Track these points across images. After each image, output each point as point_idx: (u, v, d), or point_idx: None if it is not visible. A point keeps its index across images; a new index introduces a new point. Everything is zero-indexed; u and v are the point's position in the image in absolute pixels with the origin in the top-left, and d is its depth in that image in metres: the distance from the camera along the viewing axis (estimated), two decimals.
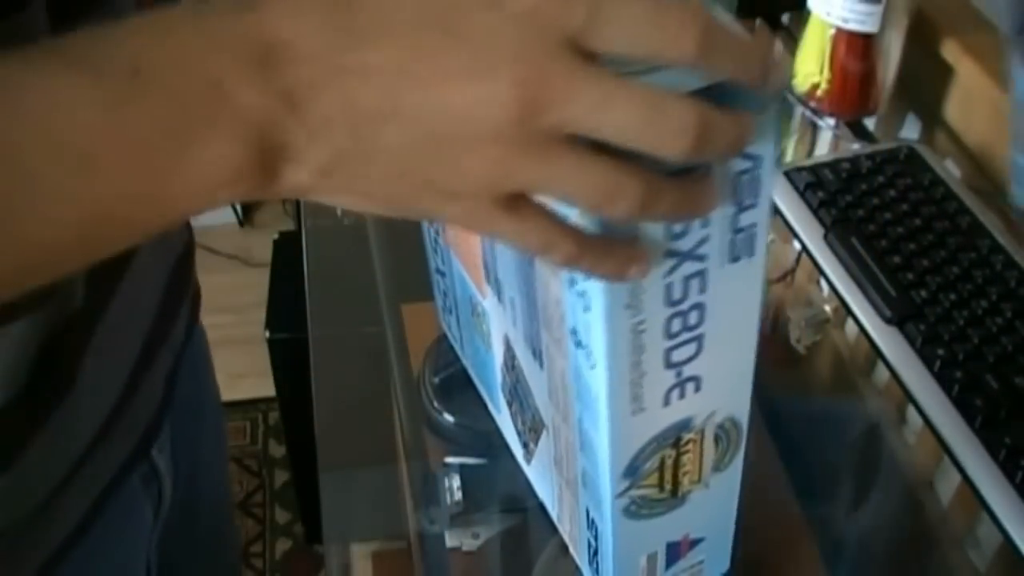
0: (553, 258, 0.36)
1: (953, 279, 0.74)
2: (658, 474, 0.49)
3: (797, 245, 0.83)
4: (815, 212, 0.82)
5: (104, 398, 0.56)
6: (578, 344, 0.44)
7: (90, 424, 0.55)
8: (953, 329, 0.71)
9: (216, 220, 2.20)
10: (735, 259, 0.42)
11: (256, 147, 0.33)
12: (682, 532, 0.53)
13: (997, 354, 0.69)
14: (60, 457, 0.53)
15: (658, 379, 0.44)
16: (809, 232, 0.81)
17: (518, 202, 0.35)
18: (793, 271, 0.88)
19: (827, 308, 0.83)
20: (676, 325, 0.42)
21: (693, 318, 0.43)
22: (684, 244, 0.40)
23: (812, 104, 0.93)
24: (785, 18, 1.06)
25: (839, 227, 0.80)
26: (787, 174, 0.85)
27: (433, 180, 0.34)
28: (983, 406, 0.67)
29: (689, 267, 0.41)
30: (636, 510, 0.50)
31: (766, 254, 0.42)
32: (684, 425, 0.47)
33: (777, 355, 0.84)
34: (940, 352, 0.70)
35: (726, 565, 0.57)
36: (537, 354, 0.50)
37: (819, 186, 0.83)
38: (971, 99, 0.88)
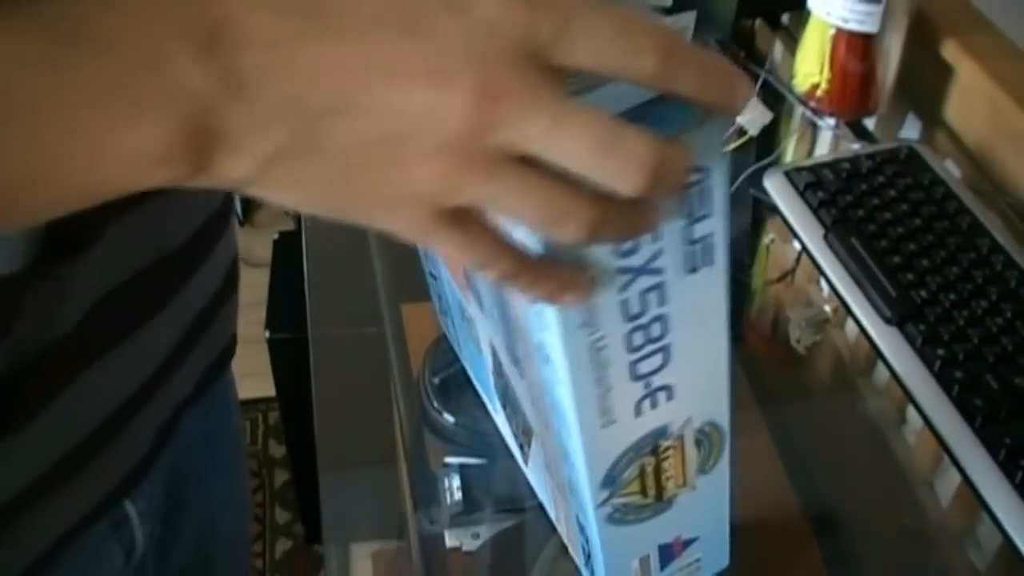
0: (489, 274, 0.36)
1: (953, 279, 0.74)
2: (639, 481, 0.49)
3: (797, 245, 0.83)
4: (815, 212, 0.82)
5: (68, 441, 0.52)
6: (545, 359, 0.44)
7: (44, 463, 0.51)
8: (953, 329, 0.71)
9: None
10: (694, 270, 0.41)
11: (193, 129, 0.31)
12: (673, 534, 0.53)
13: (997, 354, 0.69)
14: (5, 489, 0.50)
15: (626, 392, 0.44)
16: (809, 232, 0.81)
17: (461, 215, 0.34)
18: (793, 271, 0.88)
19: (827, 308, 0.83)
20: (639, 338, 0.42)
21: (656, 330, 0.43)
22: (636, 260, 0.39)
23: (812, 104, 0.93)
24: (785, 18, 1.06)
25: (839, 227, 0.80)
26: (787, 174, 0.85)
27: (377, 185, 0.33)
28: (983, 406, 0.67)
29: (645, 281, 0.40)
30: (621, 517, 0.50)
31: (729, 260, 0.42)
32: (661, 433, 0.47)
33: (777, 355, 0.84)
34: (940, 352, 0.70)
35: (725, 561, 0.57)
36: (517, 363, 0.50)
37: (819, 186, 0.83)
38: (971, 99, 0.88)
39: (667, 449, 0.48)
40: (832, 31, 0.88)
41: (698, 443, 0.49)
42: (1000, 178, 0.85)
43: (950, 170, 0.85)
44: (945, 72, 0.89)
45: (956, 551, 0.69)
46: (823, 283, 0.81)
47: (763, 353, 0.85)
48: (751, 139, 0.91)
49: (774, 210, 0.85)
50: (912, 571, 0.67)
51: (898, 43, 0.88)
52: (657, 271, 0.40)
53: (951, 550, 0.69)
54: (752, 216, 0.95)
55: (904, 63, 0.89)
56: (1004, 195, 0.84)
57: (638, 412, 0.45)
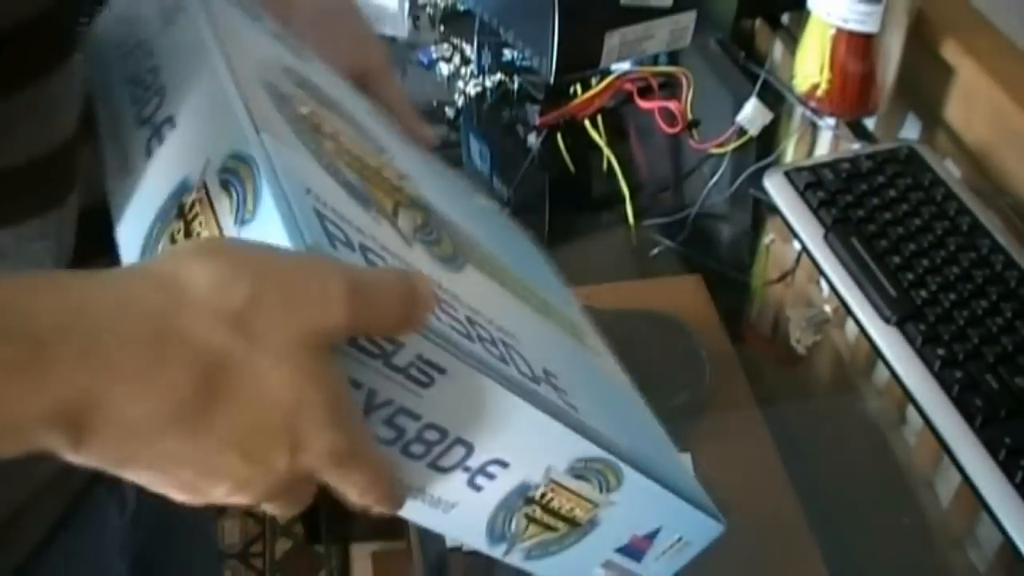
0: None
1: (953, 279, 0.74)
2: (535, 525, 0.47)
3: (797, 245, 0.83)
4: (815, 212, 0.82)
5: None
6: None
7: None
8: (953, 329, 0.71)
9: None
10: (428, 383, 0.40)
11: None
12: (624, 537, 0.50)
13: (997, 354, 0.69)
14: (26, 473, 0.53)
15: (447, 484, 0.43)
16: (809, 232, 0.81)
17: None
18: (793, 271, 0.88)
19: (827, 308, 0.83)
20: (418, 449, 0.42)
21: (432, 435, 0.41)
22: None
23: (812, 104, 0.93)
24: (785, 18, 1.06)
25: (839, 227, 0.80)
26: (787, 174, 0.85)
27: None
28: (983, 406, 0.67)
29: (381, 413, 0.40)
30: (542, 552, 0.48)
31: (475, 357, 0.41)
32: (523, 490, 0.45)
33: (777, 355, 0.84)
34: (940, 352, 0.70)
35: (718, 528, 0.53)
36: None
37: (819, 186, 0.83)
38: (971, 99, 0.88)
39: (544, 496, 0.46)
40: (832, 31, 0.88)
41: (581, 478, 0.46)
42: (1000, 178, 0.85)
43: (950, 170, 0.85)
44: (945, 72, 0.89)
45: (956, 551, 0.69)
46: (823, 283, 0.81)
47: (763, 353, 0.85)
48: (751, 139, 0.91)
49: (774, 210, 0.85)
50: (912, 571, 0.67)
51: (898, 43, 0.88)
52: (387, 403, 0.39)
53: (951, 550, 0.69)
54: (752, 216, 0.95)
55: (904, 63, 0.89)
56: (1004, 195, 0.84)
57: (477, 488, 0.44)
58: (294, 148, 0.42)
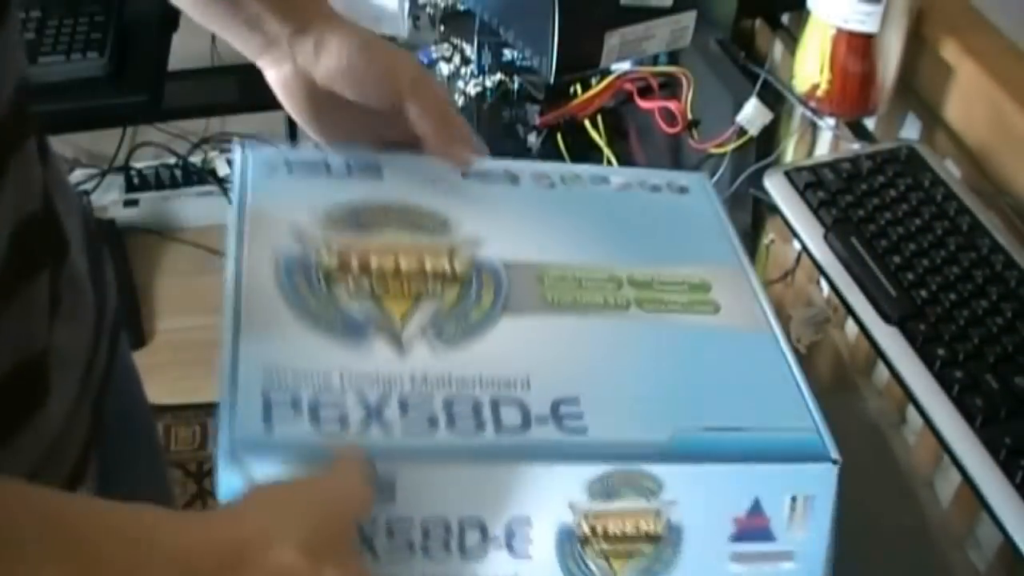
0: None
1: (953, 279, 0.74)
2: (616, 559, 0.46)
3: (797, 245, 0.83)
4: (815, 212, 0.82)
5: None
6: None
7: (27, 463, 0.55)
8: (953, 329, 0.71)
9: (215, 220, 2.20)
10: (391, 492, 0.43)
11: None
12: (728, 525, 0.47)
13: (997, 354, 0.69)
14: None
15: (491, 563, 0.44)
16: (809, 232, 0.81)
17: None
18: (793, 271, 0.88)
19: (827, 308, 0.83)
20: (437, 547, 0.44)
21: (438, 528, 0.43)
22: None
23: (812, 104, 0.93)
24: (785, 18, 1.06)
25: (839, 227, 0.80)
26: (787, 174, 0.85)
27: None
28: (983, 406, 0.67)
29: (380, 535, 0.43)
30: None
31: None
32: (567, 535, 0.45)
33: None
34: (940, 352, 0.70)
35: (830, 467, 0.51)
36: None
37: (819, 186, 0.83)
38: (971, 99, 0.88)
39: (593, 528, 0.45)
40: (832, 31, 0.88)
41: (614, 496, 0.45)
42: (1000, 178, 0.85)
43: (950, 170, 0.85)
44: (945, 72, 0.89)
45: (956, 551, 0.69)
46: (823, 283, 0.81)
47: None
48: (751, 139, 0.92)
49: (774, 210, 0.85)
50: (912, 571, 0.67)
51: (898, 43, 0.88)
52: (374, 522, 0.43)
53: (951, 550, 0.69)
54: (752, 216, 0.95)
55: (904, 63, 0.89)
56: (1004, 195, 0.84)
57: (522, 555, 0.45)
58: (275, 327, 0.47)
